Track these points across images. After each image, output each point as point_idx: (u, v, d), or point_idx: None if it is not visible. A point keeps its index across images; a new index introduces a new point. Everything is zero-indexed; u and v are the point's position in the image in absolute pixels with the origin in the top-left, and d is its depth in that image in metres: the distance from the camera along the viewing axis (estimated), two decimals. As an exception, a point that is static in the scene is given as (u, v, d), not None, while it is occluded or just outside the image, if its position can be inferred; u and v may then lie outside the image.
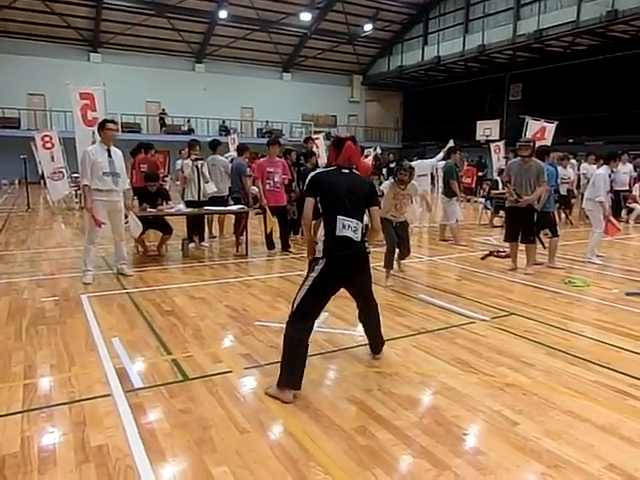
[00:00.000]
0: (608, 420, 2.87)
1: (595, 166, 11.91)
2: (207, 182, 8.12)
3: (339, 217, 3.14)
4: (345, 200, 3.18)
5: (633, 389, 3.26)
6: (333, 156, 3.38)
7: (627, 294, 5.63)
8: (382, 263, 6.08)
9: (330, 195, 3.21)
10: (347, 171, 3.31)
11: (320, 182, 3.25)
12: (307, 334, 3.12)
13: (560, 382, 3.36)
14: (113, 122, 6.25)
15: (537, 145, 7.32)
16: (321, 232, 3.25)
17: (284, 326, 3.19)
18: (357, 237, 3.20)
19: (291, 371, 3.04)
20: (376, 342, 3.74)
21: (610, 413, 2.95)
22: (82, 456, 2.48)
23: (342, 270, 3.20)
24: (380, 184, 8.81)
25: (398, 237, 6.11)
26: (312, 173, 3.39)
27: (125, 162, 6.28)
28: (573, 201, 12.23)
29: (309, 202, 3.26)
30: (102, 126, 6.01)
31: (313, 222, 3.66)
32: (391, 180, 6.24)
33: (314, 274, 3.12)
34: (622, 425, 2.82)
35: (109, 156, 5.93)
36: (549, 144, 9.52)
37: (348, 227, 3.14)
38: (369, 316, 3.66)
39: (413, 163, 9.97)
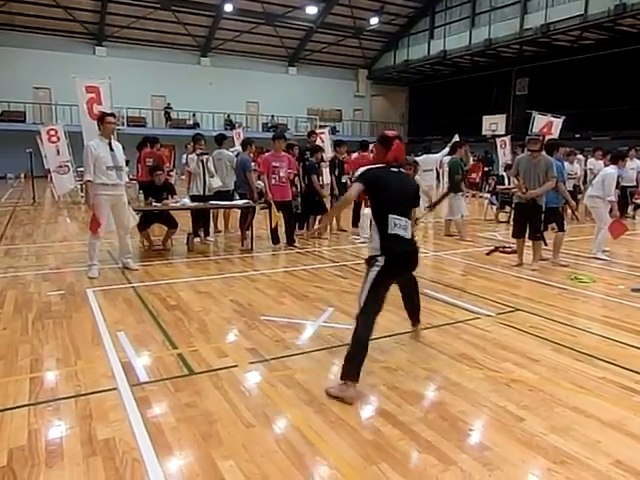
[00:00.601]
0: (614, 416, 2.86)
1: (602, 162, 11.85)
2: (212, 176, 8.12)
3: (390, 216, 3.18)
4: (397, 200, 3.24)
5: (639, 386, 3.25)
6: (380, 154, 3.38)
7: (633, 290, 5.60)
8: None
9: (384, 193, 3.23)
10: (396, 170, 3.34)
11: (377, 179, 3.25)
12: (372, 330, 3.18)
13: (566, 378, 3.35)
14: (113, 115, 6.22)
15: (546, 139, 7.29)
16: (372, 231, 3.30)
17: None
18: (408, 235, 3.27)
19: (358, 364, 3.07)
20: (417, 316, 3.95)
21: (617, 409, 2.94)
22: (89, 449, 2.49)
23: (400, 266, 3.32)
24: None
25: None
26: (365, 168, 3.35)
27: (127, 155, 6.30)
28: (579, 197, 12.15)
29: (356, 187, 3.23)
30: (102, 120, 5.98)
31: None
32: None
33: (374, 272, 3.16)
34: (629, 422, 2.81)
35: (110, 150, 5.92)
36: (556, 139, 9.45)
37: (399, 226, 3.20)
38: (412, 298, 3.85)
39: (419, 158, 9.97)
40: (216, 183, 8.17)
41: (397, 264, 3.25)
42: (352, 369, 3.05)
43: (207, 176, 8.08)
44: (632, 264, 7.11)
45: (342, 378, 3.07)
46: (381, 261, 3.15)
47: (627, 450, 2.54)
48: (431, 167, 10.09)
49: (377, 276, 3.16)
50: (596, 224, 7.62)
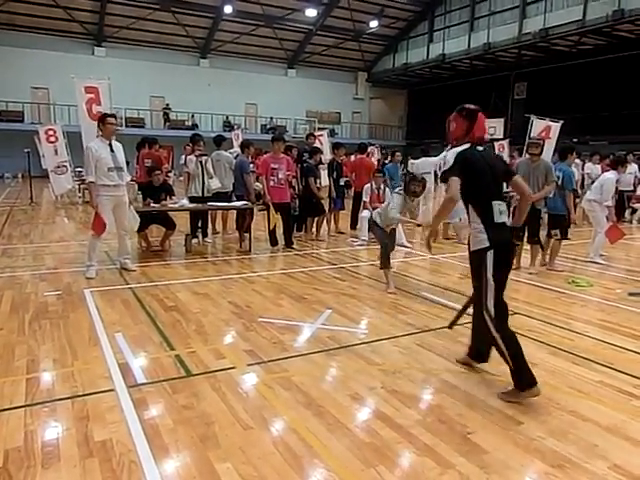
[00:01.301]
0: (612, 420, 2.86)
1: (599, 166, 11.90)
2: (211, 178, 8.12)
3: (494, 202, 2.94)
4: (495, 182, 2.99)
5: (638, 390, 3.25)
6: (462, 130, 3.06)
7: (630, 294, 5.61)
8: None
9: (482, 178, 2.95)
10: (482, 148, 3.06)
11: (472, 162, 2.94)
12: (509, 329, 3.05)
13: (564, 382, 3.35)
14: (114, 117, 6.21)
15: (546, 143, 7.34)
16: (463, 218, 3.09)
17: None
18: (508, 221, 3.04)
19: (528, 369, 2.97)
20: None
21: (614, 413, 2.94)
22: (86, 451, 2.48)
23: (509, 257, 3.08)
24: (386, 183, 8.80)
25: (389, 237, 5.99)
26: (459, 150, 2.99)
27: (126, 156, 6.26)
28: (577, 200, 12.17)
29: (456, 182, 2.92)
30: (102, 121, 5.97)
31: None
32: (401, 194, 5.69)
33: (490, 270, 2.94)
34: (627, 425, 2.81)
35: (111, 150, 5.91)
36: (554, 143, 9.49)
37: (503, 213, 2.98)
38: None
39: (417, 161, 9.98)
40: (215, 184, 8.16)
41: (507, 254, 3.01)
42: (526, 378, 2.95)
43: (206, 177, 8.07)
44: (629, 268, 7.12)
45: (521, 389, 2.97)
46: (490, 255, 2.92)
47: (624, 454, 2.54)
48: (429, 170, 10.08)
49: (494, 274, 2.93)
50: (593, 228, 7.64)
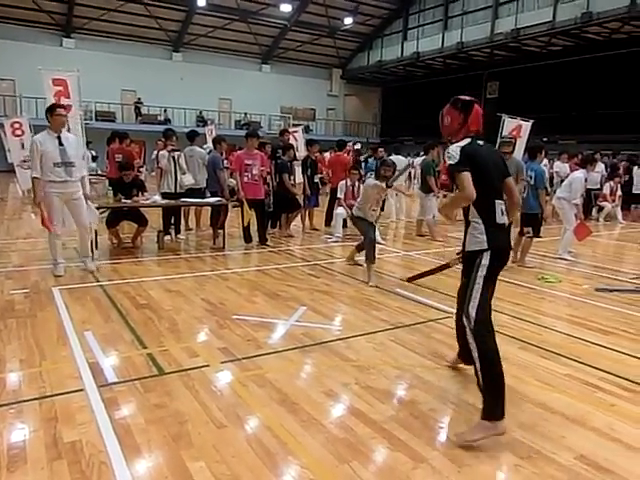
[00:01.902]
0: (579, 412, 2.94)
1: (567, 165, 12.18)
2: (184, 173, 8.02)
3: (497, 202, 2.74)
4: (497, 180, 2.81)
5: (602, 382, 3.35)
6: (456, 122, 2.85)
7: (597, 290, 5.77)
8: (361, 258, 6.09)
9: (485, 175, 2.72)
10: (482, 143, 2.85)
11: (475, 157, 2.71)
12: (495, 342, 2.70)
13: (533, 375, 3.42)
14: (63, 107, 5.80)
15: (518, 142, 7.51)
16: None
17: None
18: (507, 222, 2.83)
19: (500, 394, 2.58)
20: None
21: (581, 405, 3.03)
22: (54, 453, 2.42)
23: (504, 261, 2.83)
24: (361, 180, 8.85)
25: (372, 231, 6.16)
26: (461, 145, 2.73)
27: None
28: (547, 198, 12.44)
29: (468, 177, 2.63)
30: (51, 111, 5.55)
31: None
32: (373, 178, 6.18)
33: (482, 273, 2.69)
34: (592, 417, 2.89)
35: (60, 144, 5.51)
36: (525, 142, 9.65)
37: (504, 213, 2.77)
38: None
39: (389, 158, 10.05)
40: (188, 180, 8.07)
41: (503, 259, 2.80)
42: (496, 405, 2.56)
43: (179, 173, 7.97)
44: (596, 264, 7.32)
45: (487, 419, 2.57)
46: (487, 257, 2.69)
47: (590, 445, 2.62)
48: (398, 167, 10.17)
49: (486, 277, 2.69)
50: (562, 225, 7.83)
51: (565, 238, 7.58)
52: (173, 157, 7.92)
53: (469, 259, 2.77)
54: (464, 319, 2.73)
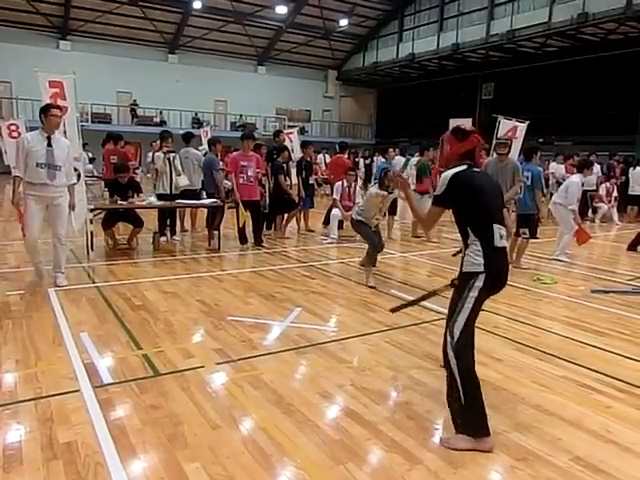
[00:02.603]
0: (574, 414, 2.95)
1: (563, 166, 12.22)
2: (179, 175, 8.02)
3: (495, 226, 2.70)
4: (495, 205, 2.79)
5: (598, 384, 3.36)
6: (456, 150, 2.86)
7: (593, 291, 5.79)
8: (357, 259, 6.10)
9: (482, 199, 2.72)
10: (478, 170, 2.88)
11: (468, 184, 2.72)
12: (474, 362, 2.72)
13: (529, 377, 3.43)
14: (58, 108, 5.52)
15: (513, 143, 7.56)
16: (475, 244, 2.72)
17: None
18: (507, 245, 2.85)
19: (481, 411, 2.61)
20: None
21: (576, 407, 3.03)
22: (50, 453, 2.42)
23: (500, 286, 2.80)
24: (357, 182, 8.86)
25: (376, 235, 6.14)
26: (452, 173, 2.72)
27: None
28: (543, 199, 12.48)
29: (436, 214, 2.81)
30: (45, 111, 5.27)
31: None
32: (377, 187, 6.09)
33: (474, 294, 2.66)
34: (588, 419, 2.90)
35: (48, 145, 5.20)
36: (520, 143, 9.68)
37: (502, 237, 2.75)
38: None
39: (394, 160, 10.08)
40: (183, 182, 8.06)
41: (498, 283, 2.76)
42: (477, 421, 2.58)
43: (174, 175, 7.96)
44: (592, 266, 7.35)
45: (467, 434, 2.60)
46: (481, 279, 2.65)
47: (586, 446, 2.62)
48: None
49: (477, 299, 2.67)
50: (559, 228, 7.85)
51: (564, 240, 7.60)
52: (168, 159, 7.91)
53: (464, 279, 2.74)
54: (447, 334, 2.74)
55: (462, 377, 2.62)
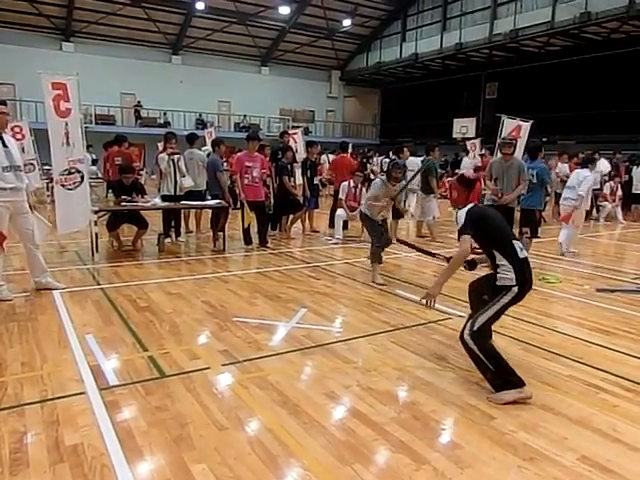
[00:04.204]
0: (581, 413, 2.94)
1: (567, 165, 12.18)
2: (183, 176, 8.02)
3: (514, 242, 3.23)
4: (507, 227, 3.38)
5: (604, 383, 3.35)
6: (464, 196, 3.43)
7: (598, 290, 5.77)
8: (362, 259, 6.09)
9: (497, 225, 3.31)
10: (482, 206, 3.52)
11: (484, 216, 3.32)
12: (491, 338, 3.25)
13: (534, 376, 3.42)
14: (4, 103, 5.00)
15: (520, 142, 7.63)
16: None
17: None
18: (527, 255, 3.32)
19: (512, 369, 3.07)
20: None
21: (583, 406, 3.02)
22: (56, 456, 2.42)
23: (527, 291, 3.23)
24: (364, 183, 8.86)
25: (383, 231, 6.18)
26: (467, 210, 3.27)
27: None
28: (547, 199, 12.45)
29: (468, 240, 3.20)
30: None
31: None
32: (382, 179, 6.12)
33: (506, 300, 3.14)
34: (594, 418, 2.89)
35: (4, 146, 4.79)
36: (524, 142, 9.64)
37: (522, 249, 3.24)
38: None
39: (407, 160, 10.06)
40: (187, 183, 8.07)
41: (527, 291, 3.22)
42: (510, 378, 3.05)
43: (178, 176, 7.97)
44: (596, 264, 7.32)
45: (507, 389, 3.04)
46: (515, 291, 3.13)
47: (592, 446, 2.61)
48: (412, 168, 10.14)
49: (507, 305, 3.16)
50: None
51: (567, 235, 7.63)
52: (172, 160, 7.92)
53: (498, 289, 3.19)
54: (468, 323, 3.16)
55: (484, 353, 3.07)
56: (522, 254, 3.19)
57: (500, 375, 3.06)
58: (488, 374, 3.10)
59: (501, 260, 3.17)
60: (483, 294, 3.42)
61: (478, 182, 3.47)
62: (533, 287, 3.34)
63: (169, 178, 7.95)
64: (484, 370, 3.11)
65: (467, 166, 12.45)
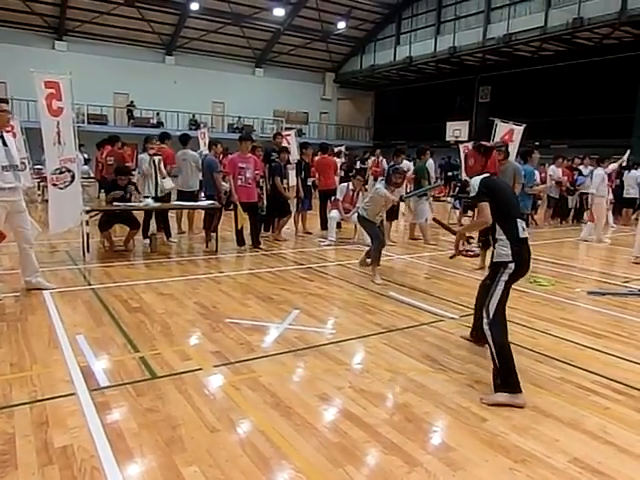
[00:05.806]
0: (572, 415, 2.94)
1: (560, 169, 12.28)
2: (164, 178, 7.95)
3: (518, 220, 3.25)
4: (514, 204, 3.39)
5: (596, 385, 3.36)
6: (480, 164, 3.41)
7: (589, 293, 5.80)
8: (355, 261, 6.10)
9: (506, 200, 3.31)
10: (496, 177, 3.44)
11: (496, 188, 3.31)
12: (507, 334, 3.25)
13: (526, 379, 3.42)
14: (5, 102, 5.01)
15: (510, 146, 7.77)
16: (500, 236, 3.24)
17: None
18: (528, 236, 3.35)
19: (516, 374, 3.09)
20: None
21: (574, 409, 3.03)
22: (45, 458, 2.39)
23: (525, 272, 3.30)
24: (363, 188, 8.89)
25: (380, 232, 6.30)
26: (480, 178, 3.28)
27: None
28: (539, 202, 12.53)
29: (487, 206, 3.20)
30: None
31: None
32: (383, 184, 6.19)
33: (505, 278, 3.20)
34: (585, 420, 2.90)
35: (4, 145, 4.75)
36: (517, 146, 9.69)
37: (524, 229, 3.27)
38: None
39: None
40: (168, 185, 8.00)
41: (525, 269, 3.28)
42: (510, 380, 3.06)
43: (159, 177, 7.87)
44: (588, 268, 7.36)
45: (506, 391, 3.05)
46: (512, 267, 3.18)
47: (584, 448, 2.62)
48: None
49: (507, 284, 3.21)
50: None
51: (589, 227, 8.62)
52: (153, 161, 7.82)
53: (495, 268, 3.28)
54: (483, 312, 3.23)
55: (496, 347, 3.11)
56: (523, 234, 3.22)
57: (501, 375, 3.08)
58: (494, 370, 3.15)
59: (500, 235, 3.22)
60: (486, 282, 3.53)
61: (495, 150, 3.47)
62: (524, 290, 3.37)
63: (150, 180, 7.82)
64: (494, 364, 3.15)
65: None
